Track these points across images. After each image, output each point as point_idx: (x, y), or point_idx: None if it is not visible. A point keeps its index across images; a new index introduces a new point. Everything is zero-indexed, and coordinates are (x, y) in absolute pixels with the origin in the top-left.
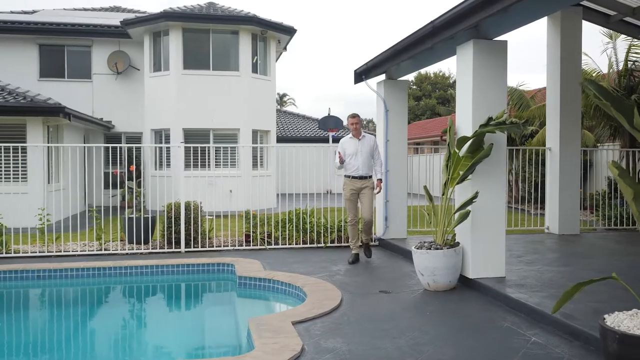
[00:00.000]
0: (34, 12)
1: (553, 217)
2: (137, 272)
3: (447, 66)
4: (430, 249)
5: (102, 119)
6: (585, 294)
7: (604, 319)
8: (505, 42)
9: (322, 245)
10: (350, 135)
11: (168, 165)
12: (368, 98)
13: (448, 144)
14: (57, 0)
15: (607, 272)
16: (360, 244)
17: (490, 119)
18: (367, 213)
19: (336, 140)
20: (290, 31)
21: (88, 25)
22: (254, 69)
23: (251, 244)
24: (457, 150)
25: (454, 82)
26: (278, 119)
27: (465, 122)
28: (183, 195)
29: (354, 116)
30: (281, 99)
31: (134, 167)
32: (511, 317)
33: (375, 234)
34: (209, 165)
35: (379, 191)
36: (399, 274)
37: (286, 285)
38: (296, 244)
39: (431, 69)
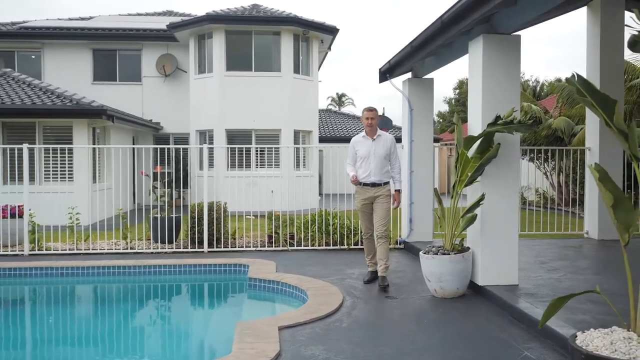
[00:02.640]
0: (90, 18)
1: (592, 221)
2: (152, 271)
3: None
4: (437, 253)
5: (151, 120)
6: (597, 305)
7: (576, 336)
8: (518, 37)
9: (346, 247)
10: (363, 133)
11: (211, 165)
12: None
13: (456, 145)
14: (113, 6)
15: None
16: (374, 269)
17: (498, 117)
18: (380, 227)
19: None
20: (332, 31)
21: (138, 29)
22: (296, 70)
23: (273, 245)
24: (465, 151)
25: None
26: (327, 119)
27: (475, 121)
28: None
29: (370, 109)
30: (339, 99)
31: (159, 168)
32: (511, 329)
33: (400, 236)
34: (251, 165)
35: (397, 206)
36: (413, 279)
37: (292, 287)
38: (319, 245)
39: None
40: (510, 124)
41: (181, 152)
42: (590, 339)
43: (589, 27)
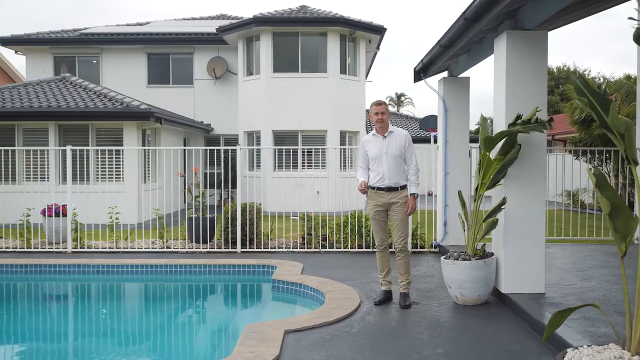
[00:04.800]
0: (146, 23)
1: None
2: (181, 270)
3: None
4: (457, 259)
5: (202, 122)
6: (623, 317)
7: (565, 352)
8: (544, 33)
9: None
10: (373, 131)
11: (258, 166)
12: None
13: (479, 146)
14: (169, 11)
15: None
16: (388, 289)
17: (518, 117)
18: (399, 239)
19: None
20: (379, 30)
21: (190, 33)
22: (342, 70)
23: (305, 246)
24: (487, 153)
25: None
26: None
27: (499, 121)
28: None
29: (380, 103)
30: (398, 99)
31: (197, 169)
32: (527, 340)
33: (435, 239)
34: (298, 166)
35: (411, 212)
36: (439, 285)
37: (313, 290)
38: (351, 247)
39: (554, 62)
40: (527, 123)
41: (230, 153)
42: (579, 357)
43: None
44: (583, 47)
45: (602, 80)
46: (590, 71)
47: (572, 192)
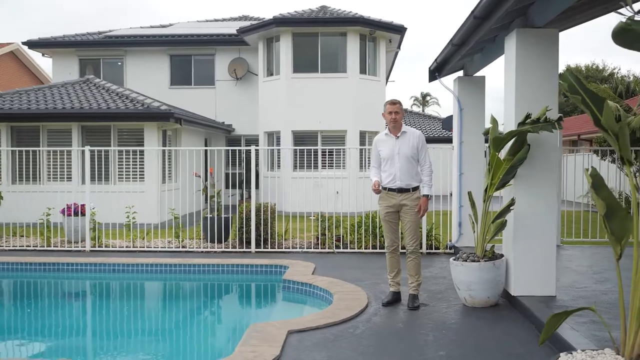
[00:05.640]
0: (170, 25)
1: None
2: (194, 270)
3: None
4: (466, 260)
5: (223, 122)
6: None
7: (559, 357)
8: (555, 32)
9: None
10: (386, 130)
11: (279, 166)
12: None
13: (489, 146)
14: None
15: None
16: (396, 290)
17: (527, 116)
18: (411, 240)
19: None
20: (400, 30)
21: (212, 35)
22: (362, 70)
23: (319, 246)
24: (496, 153)
25: (610, 74)
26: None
27: (509, 121)
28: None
29: (394, 102)
30: (423, 99)
31: (212, 169)
32: (532, 344)
33: (450, 240)
34: (318, 166)
35: (423, 214)
36: (450, 286)
37: (322, 290)
38: (365, 248)
39: (582, 61)
40: (537, 122)
41: (252, 153)
42: None
43: None
44: (612, 45)
45: (631, 78)
46: (619, 69)
47: None
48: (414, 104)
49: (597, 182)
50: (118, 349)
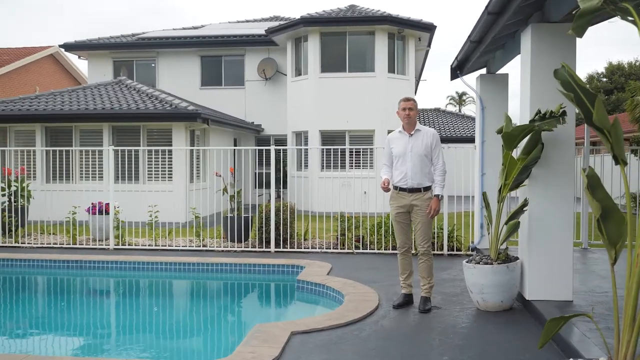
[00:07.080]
0: (201, 27)
1: None
2: (213, 269)
3: None
4: (479, 262)
5: (252, 122)
6: None
7: None
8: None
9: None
10: (400, 128)
11: (306, 166)
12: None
13: (503, 145)
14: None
15: None
16: (408, 292)
17: (538, 112)
18: (422, 241)
19: None
20: (429, 28)
21: (241, 35)
22: (391, 69)
23: (339, 247)
24: (509, 152)
25: None
26: (436, 118)
27: (524, 119)
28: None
29: (408, 99)
30: (460, 98)
31: (233, 169)
32: (540, 351)
33: (472, 242)
34: (345, 166)
35: (433, 215)
36: (465, 289)
37: (334, 291)
38: (385, 249)
39: (625, 58)
40: (544, 118)
41: (282, 153)
42: None
43: None
44: None
45: None
46: None
47: (638, 193)
48: (450, 103)
49: (593, 183)
50: (124, 345)
